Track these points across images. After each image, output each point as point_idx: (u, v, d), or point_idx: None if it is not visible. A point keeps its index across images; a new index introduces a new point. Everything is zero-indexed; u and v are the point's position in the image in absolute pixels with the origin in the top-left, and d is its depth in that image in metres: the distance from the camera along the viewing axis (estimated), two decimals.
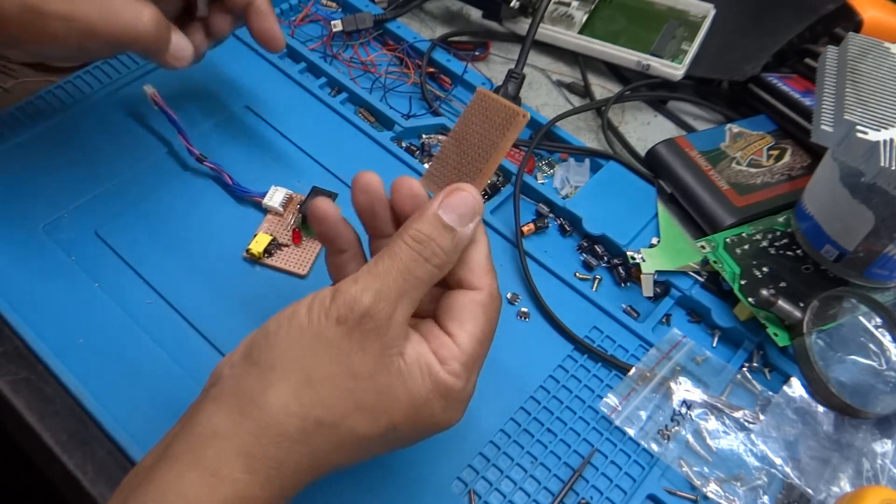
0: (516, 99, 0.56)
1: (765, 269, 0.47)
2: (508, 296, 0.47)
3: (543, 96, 0.61)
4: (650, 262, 0.48)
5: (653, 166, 0.54)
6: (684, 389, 0.43)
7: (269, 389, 0.29)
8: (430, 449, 0.40)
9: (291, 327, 0.30)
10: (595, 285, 0.49)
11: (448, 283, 0.34)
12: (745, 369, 0.45)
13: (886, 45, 0.47)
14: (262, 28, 0.43)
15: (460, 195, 0.32)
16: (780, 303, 0.44)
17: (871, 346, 0.44)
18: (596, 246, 0.50)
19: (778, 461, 0.41)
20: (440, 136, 0.55)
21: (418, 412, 0.31)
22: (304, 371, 0.30)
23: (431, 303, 0.35)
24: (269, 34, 0.43)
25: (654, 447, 0.41)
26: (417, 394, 0.31)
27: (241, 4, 0.42)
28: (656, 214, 0.52)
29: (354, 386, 0.30)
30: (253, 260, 0.46)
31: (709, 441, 0.42)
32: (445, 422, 0.33)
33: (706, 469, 0.41)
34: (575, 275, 0.49)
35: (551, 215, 0.52)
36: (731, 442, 0.42)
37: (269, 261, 0.46)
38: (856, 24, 0.58)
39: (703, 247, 0.48)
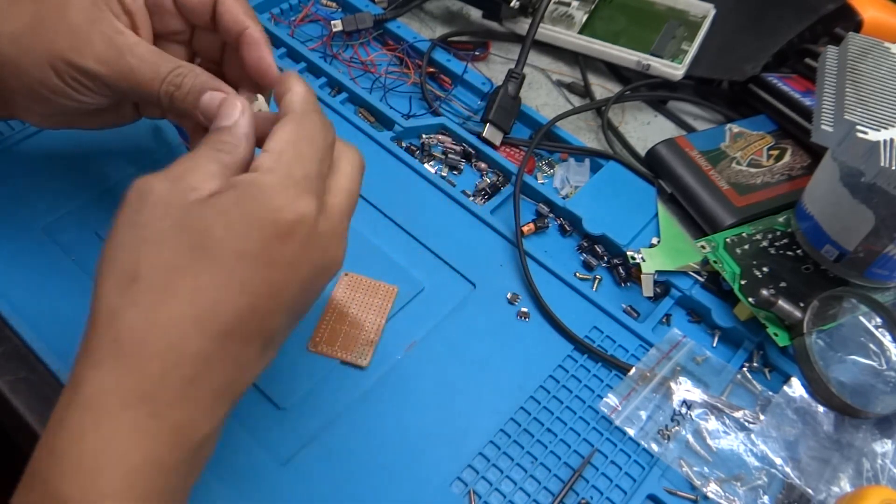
0: (516, 99, 0.55)
1: (765, 269, 0.47)
2: (508, 296, 0.47)
3: (543, 96, 0.61)
4: (650, 262, 0.48)
5: (653, 166, 0.54)
6: (684, 389, 0.43)
7: (93, 294, 0.30)
8: (431, 449, 0.40)
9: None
10: (595, 285, 0.49)
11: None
12: (745, 369, 0.45)
13: (886, 45, 0.47)
14: (256, 61, 0.39)
15: (224, 104, 0.35)
16: (781, 303, 0.44)
17: (872, 346, 0.44)
18: (596, 246, 0.50)
19: (778, 461, 0.41)
20: (440, 136, 0.55)
21: (234, 216, 0.30)
22: (104, 257, 0.31)
23: None
24: (264, 70, 0.39)
25: (654, 447, 0.41)
26: (222, 203, 0.30)
27: (235, 32, 0.39)
28: (656, 214, 0.52)
29: (147, 232, 0.30)
30: None
31: (709, 441, 0.42)
32: (282, 212, 0.30)
33: (706, 469, 0.41)
34: (575, 275, 0.49)
35: (551, 215, 0.52)
36: (732, 442, 0.42)
37: None
38: (856, 24, 0.58)
39: (703, 247, 0.48)
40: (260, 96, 0.38)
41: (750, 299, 0.45)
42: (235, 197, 0.30)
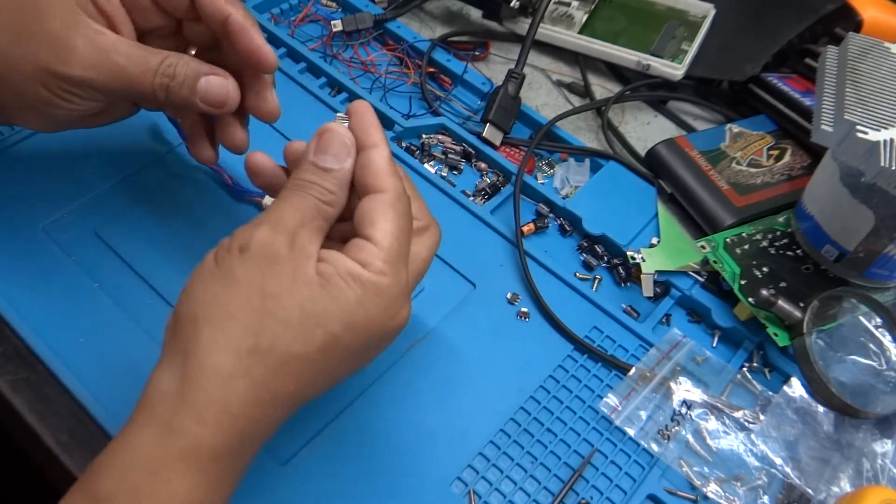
0: (516, 99, 0.56)
1: (765, 269, 0.47)
2: (508, 296, 0.47)
3: (543, 96, 0.61)
4: (650, 262, 0.48)
5: (653, 166, 0.54)
6: (684, 389, 0.43)
7: (198, 337, 0.30)
8: (431, 449, 0.40)
9: (202, 273, 0.32)
10: (595, 285, 0.49)
11: (359, 194, 0.35)
12: (745, 369, 0.45)
13: (886, 45, 0.47)
14: (246, 45, 0.37)
15: (328, 135, 0.34)
16: (780, 303, 0.44)
17: (871, 346, 0.44)
18: (596, 246, 0.50)
19: (778, 461, 0.41)
20: (440, 136, 0.55)
21: (355, 317, 0.31)
22: (222, 308, 0.30)
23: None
24: (255, 52, 0.38)
25: (654, 447, 0.41)
26: (346, 300, 0.31)
27: (218, 21, 0.37)
28: (656, 214, 0.52)
29: (275, 307, 0.30)
30: None
31: (709, 441, 0.42)
32: (392, 319, 0.33)
33: (706, 469, 0.41)
34: (575, 275, 0.49)
35: (551, 215, 0.52)
36: (731, 442, 0.42)
37: None
38: (856, 24, 0.58)
39: (703, 247, 0.48)
40: (339, 114, 0.36)
41: (750, 299, 0.45)
42: (357, 300, 0.31)
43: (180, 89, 0.37)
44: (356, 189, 0.35)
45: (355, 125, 0.35)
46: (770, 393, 0.44)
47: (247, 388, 0.30)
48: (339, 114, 0.36)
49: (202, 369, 0.30)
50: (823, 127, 0.43)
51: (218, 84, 0.37)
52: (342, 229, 0.36)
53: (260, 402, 0.30)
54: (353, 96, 0.56)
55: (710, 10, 0.61)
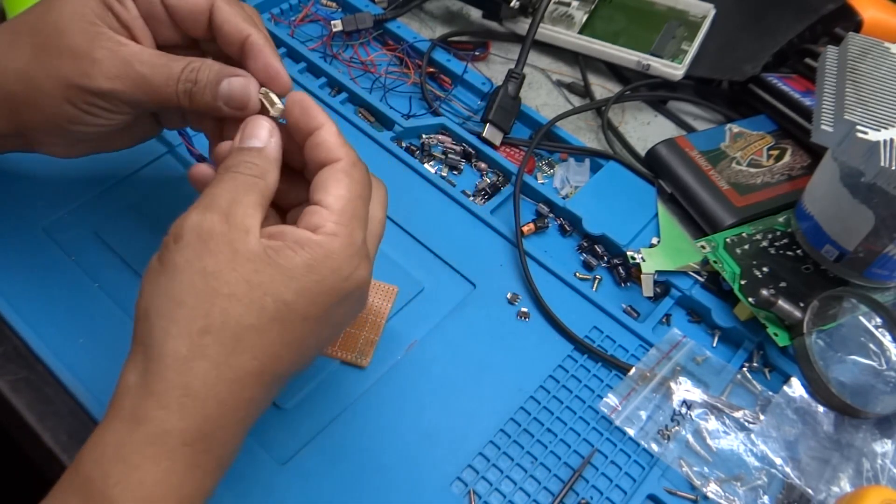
0: (516, 99, 0.56)
1: (765, 269, 0.47)
2: (508, 296, 0.47)
3: (543, 96, 0.61)
4: (650, 262, 0.48)
5: (653, 166, 0.54)
6: (684, 389, 0.43)
7: (151, 330, 0.30)
8: (431, 449, 0.40)
9: (149, 273, 0.32)
10: (595, 285, 0.49)
11: (312, 170, 0.35)
12: (745, 369, 0.45)
13: (886, 45, 0.47)
14: (263, 68, 0.37)
15: (250, 123, 0.35)
16: (780, 303, 0.44)
17: (871, 346, 0.44)
18: (596, 246, 0.50)
19: (778, 461, 0.41)
20: (440, 136, 0.55)
21: (305, 282, 0.31)
22: (168, 297, 0.31)
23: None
24: (273, 76, 0.37)
25: (654, 447, 0.41)
26: (293, 266, 0.31)
27: (237, 42, 0.37)
28: (656, 214, 0.52)
29: (218, 284, 0.30)
30: None
31: (709, 441, 0.42)
32: (347, 280, 0.33)
33: (706, 469, 0.41)
34: (575, 275, 0.49)
35: (551, 215, 0.52)
36: (731, 442, 0.42)
37: None
38: (856, 24, 0.58)
39: (703, 247, 0.48)
40: (277, 101, 0.37)
41: (750, 299, 0.45)
42: (305, 263, 0.32)
43: (203, 94, 0.37)
44: (311, 169, 0.35)
45: (297, 114, 0.35)
46: (770, 393, 0.44)
47: (207, 369, 0.30)
48: (261, 93, 0.37)
49: (160, 358, 0.30)
50: (823, 127, 0.43)
51: (240, 85, 0.37)
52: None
53: (223, 381, 0.30)
54: (353, 96, 0.56)
55: (710, 10, 0.61)
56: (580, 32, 0.61)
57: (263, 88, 0.37)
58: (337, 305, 0.33)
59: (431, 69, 0.59)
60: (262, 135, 0.35)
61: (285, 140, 0.36)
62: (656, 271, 0.48)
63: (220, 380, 0.30)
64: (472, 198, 0.52)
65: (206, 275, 0.31)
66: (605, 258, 0.50)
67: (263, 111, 0.37)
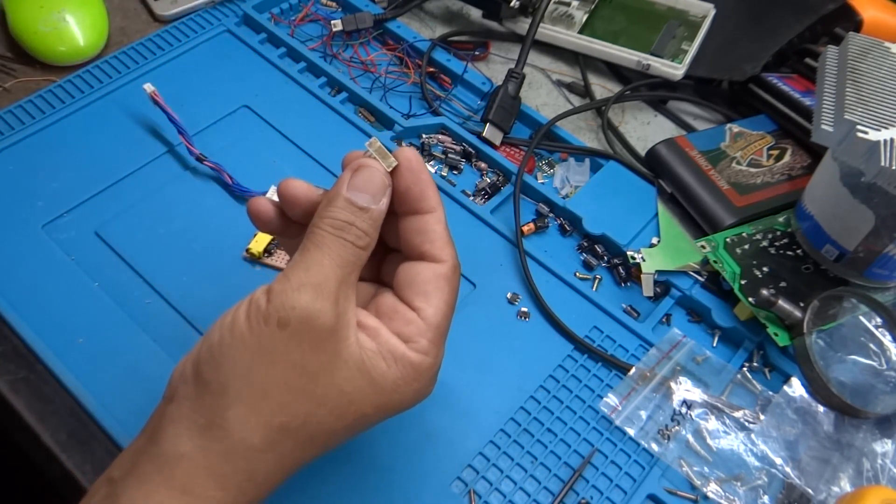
0: (516, 99, 0.55)
1: (765, 268, 0.47)
2: (508, 296, 0.47)
3: (543, 96, 0.61)
4: (650, 261, 0.48)
5: (653, 166, 0.54)
6: (684, 389, 0.43)
7: (227, 411, 0.29)
8: (430, 449, 0.40)
9: (234, 340, 0.29)
10: (595, 285, 0.49)
11: (407, 255, 0.33)
12: (745, 369, 0.45)
13: (886, 44, 0.47)
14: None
15: (364, 172, 0.31)
16: (781, 302, 0.44)
17: (872, 346, 0.44)
18: (596, 246, 0.50)
19: (778, 461, 0.41)
20: (440, 136, 0.55)
21: (388, 398, 0.31)
22: (256, 384, 0.29)
23: (373, 269, 0.35)
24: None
25: (655, 447, 0.41)
26: (384, 382, 0.30)
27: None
28: (656, 214, 0.52)
29: (313, 387, 0.29)
30: (253, 259, 0.46)
31: (709, 441, 0.42)
32: (420, 398, 0.32)
33: (706, 469, 0.41)
34: (575, 274, 0.49)
35: (551, 215, 0.52)
36: (732, 442, 0.42)
37: (268, 260, 0.46)
38: (856, 24, 0.58)
39: (703, 247, 0.48)
40: (391, 157, 0.32)
41: (750, 299, 0.45)
42: (394, 382, 0.30)
43: None
44: (406, 254, 0.33)
45: (412, 183, 0.32)
46: (770, 393, 0.44)
47: (274, 460, 0.29)
48: (371, 146, 0.33)
49: (230, 443, 0.29)
50: (823, 127, 0.43)
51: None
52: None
53: (282, 470, 0.30)
54: (353, 96, 0.56)
55: (710, 10, 0.61)
56: (580, 32, 0.61)
57: (376, 141, 0.33)
58: (398, 413, 0.32)
59: (431, 69, 0.59)
60: (378, 195, 0.31)
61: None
62: (656, 271, 0.48)
63: (281, 469, 0.30)
64: (472, 197, 0.52)
65: (304, 374, 0.29)
66: (605, 258, 0.50)
67: None
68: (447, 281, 0.32)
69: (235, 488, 0.29)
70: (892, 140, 0.40)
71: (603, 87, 0.61)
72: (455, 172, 0.54)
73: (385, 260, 0.36)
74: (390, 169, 0.32)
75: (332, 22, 0.59)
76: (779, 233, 0.49)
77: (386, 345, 0.30)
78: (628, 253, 0.48)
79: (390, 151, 0.33)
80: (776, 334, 0.44)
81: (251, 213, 0.35)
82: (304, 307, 0.28)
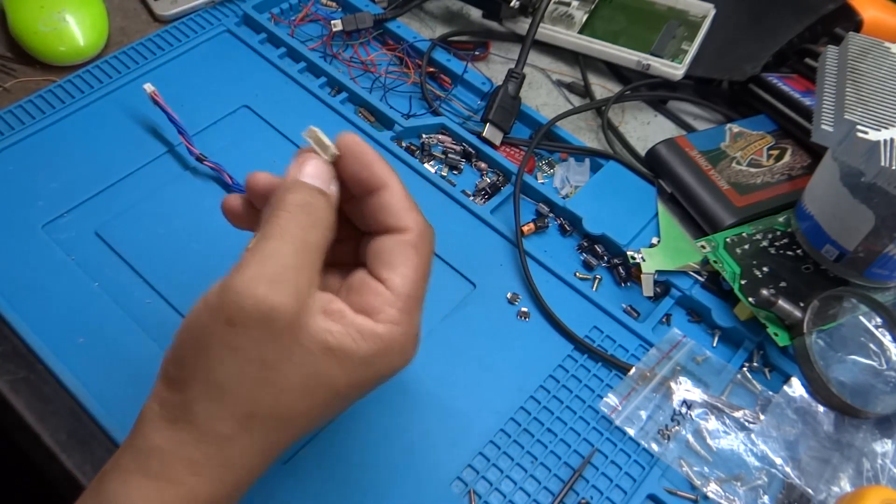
0: (516, 99, 0.55)
1: (765, 268, 0.47)
2: (508, 296, 0.47)
3: (543, 96, 0.61)
4: (650, 261, 0.48)
5: (653, 166, 0.54)
6: (684, 389, 0.43)
7: (193, 406, 0.29)
8: (430, 449, 0.40)
9: (190, 337, 0.29)
10: (595, 285, 0.49)
11: (375, 232, 0.33)
12: (745, 369, 0.45)
13: (886, 44, 0.47)
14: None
15: (311, 161, 0.32)
16: (781, 302, 0.44)
17: (872, 346, 0.44)
18: (596, 246, 0.50)
19: (778, 461, 0.41)
20: (440, 136, 0.55)
21: (362, 374, 0.30)
22: (215, 380, 0.29)
23: (352, 252, 0.35)
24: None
25: (655, 447, 0.41)
26: (354, 359, 0.30)
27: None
28: (656, 214, 0.52)
29: (274, 376, 0.29)
30: None
31: (709, 441, 0.42)
32: (398, 367, 0.32)
33: (706, 469, 0.41)
34: (575, 274, 0.49)
35: (551, 215, 0.52)
36: (732, 442, 0.42)
37: None
38: (856, 24, 0.58)
39: (703, 247, 0.48)
40: (330, 144, 0.32)
41: (750, 299, 0.45)
42: (364, 358, 0.30)
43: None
44: (369, 225, 0.33)
45: (356, 167, 0.32)
46: (770, 393, 0.44)
47: (247, 445, 0.29)
48: (309, 136, 0.32)
49: (199, 433, 0.29)
50: (823, 127, 0.43)
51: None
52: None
53: (260, 453, 0.30)
54: (353, 96, 0.56)
55: (710, 10, 0.61)
56: (580, 32, 0.61)
57: (312, 129, 0.32)
58: (383, 381, 0.32)
59: (431, 69, 0.59)
60: (324, 178, 0.31)
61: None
62: (656, 271, 0.48)
63: (256, 453, 0.30)
64: (472, 197, 0.52)
65: (262, 366, 0.29)
66: (605, 258, 0.50)
67: None
68: (413, 247, 0.32)
69: (211, 473, 0.29)
70: (892, 140, 0.40)
71: (603, 87, 0.61)
72: (455, 172, 0.54)
73: (361, 242, 0.35)
74: (332, 159, 0.32)
75: (332, 22, 0.59)
76: (779, 233, 0.49)
77: (352, 324, 0.30)
78: (628, 253, 0.48)
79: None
80: (776, 334, 0.44)
81: (224, 211, 0.35)
82: (258, 302, 0.28)
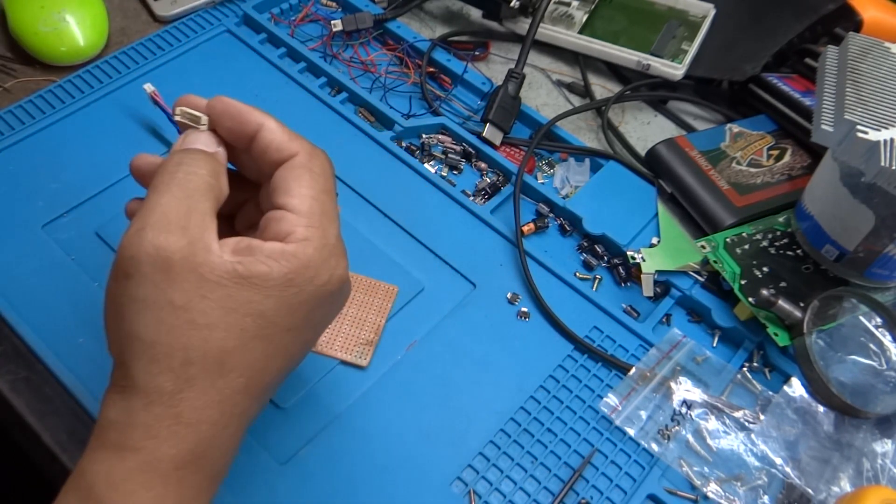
0: (516, 99, 0.55)
1: (765, 268, 0.47)
2: (508, 296, 0.47)
3: (543, 96, 0.61)
4: (650, 261, 0.48)
5: (653, 166, 0.54)
6: (684, 389, 0.43)
7: (131, 369, 0.29)
8: (430, 449, 0.40)
9: (109, 306, 0.30)
10: (595, 285, 0.49)
11: (266, 172, 0.33)
12: (745, 369, 0.45)
13: (886, 44, 0.47)
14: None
15: (188, 135, 0.33)
16: (781, 303, 0.44)
17: (872, 346, 0.44)
18: (596, 246, 0.50)
19: (778, 461, 0.41)
20: (440, 136, 0.55)
21: (286, 296, 0.30)
22: (139, 335, 0.29)
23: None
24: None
25: (655, 447, 0.41)
26: (272, 283, 0.29)
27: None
28: (656, 214, 0.52)
29: (192, 315, 0.29)
30: None
31: (709, 441, 0.42)
32: (328, 283, 0.31)
33: (706, 469, 0.41)
34: (575, 275, 0.49)
35: (551, 215, 0.52)
36: (732, 442, 0.42)
37: None
38: (856, 24, 0.58)
39: (703, 247, 0.48)
40: (201, 115, 0.33)
41: (750, 299, 0.45)
42: (282, 277, 0.30)
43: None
44: (265, 172, 0.33)
45: (229, 122, 0.33)
46: (770, 393, 0.44)
47: (194, 396, 0.29)
48: (180, 116, 0.33)
49: (144, 395, 0.29)
50: (823, 127, 0.43)
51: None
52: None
53: (212, 403, 0.30)
54: (353, 96, 0.56)
55: (710, 10, 0.61)
56: (580, 32, 0.61)
57: (179, 108, 0.33)
58: (319, 308, 0.32)
59: (431, 69, 0.59)
60: (209, 142, 0.33)
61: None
62: (656, 271, 0.48)
63: (209, 403, 0.29)
64: (472, 198, 0.52)
65: (175, 308, 0.28)
66: (605, 258, 0.50)
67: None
68: (304, 168, 0.32)
69: (167, 433, 0.29)
70: (892, 140, 0.40)
71: (603, 87, 0.61)
72: (455, 172, 0.54)
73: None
74: (206, 126, 0.33)
75: (332, 22, 0.59)
76: (779, 233, 0.49)
77: (261, 252, 0.30)
78: (628, 253, 0.48)
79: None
80: (776, 334, 0.44)
81: (136, 173, 0.35)
82: (145, 246, 0.28)
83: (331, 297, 0.32)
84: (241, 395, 0.30)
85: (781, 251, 0.48)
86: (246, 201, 0.36)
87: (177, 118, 0.33)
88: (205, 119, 0.33)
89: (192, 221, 0.29)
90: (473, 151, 0.54)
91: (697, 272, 0.48)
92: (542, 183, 0.53)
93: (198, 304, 0.29)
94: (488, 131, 0.54)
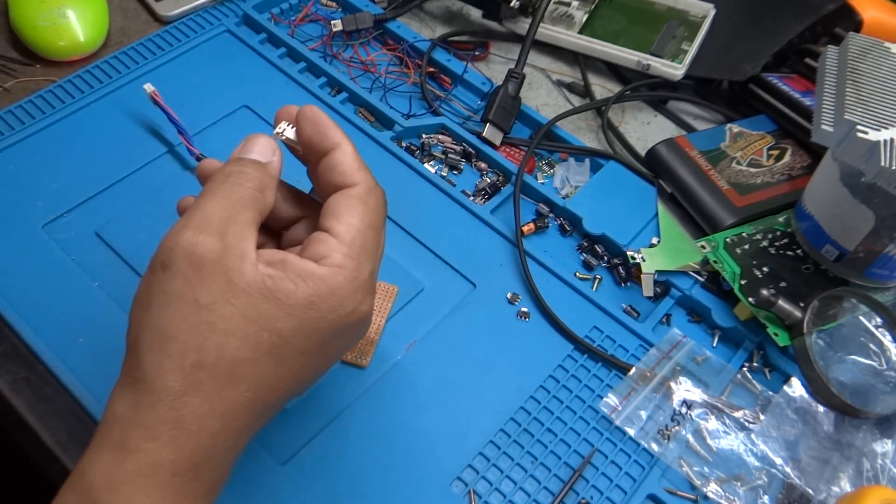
0: (516, 99, 0.55)
1: (765, 268, 0.47)
2: (508, 296, 0.47)
3: (543, 96, 0.61)
4: (650, 261, 0.48)
5: (653, 166, 0.54)
6: (684, 389, 0.43)
7: (143, 362, 0.29)
8: (430, 449, 0.40)
9: (137, 298, 0.31)
10: (595, 285, 0.49)
11: (326, 193, 0.34)
12: (745, 369, 0.45)
13: (886, 44, 0.47)
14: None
15: (248, 141, 0.34)
16: (781, 303, 0.44)
17: (872, 346, 0.44)
18: (596, 246, 0.50)
19: (778, 461, 0.41)
20: (440, 136, 0.55)
21: (305, 318, 0.30)
22: (159, 328, 0.29)
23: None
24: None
25: (655, 447, 0.41)
26: (294, 302, 0.30)
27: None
28: (656, 214, 0.52)
29: (213, 318, 0.29)
30: None
31: (709, 441, 0.42)
32: (349, 316, 0.31)
33: (706, 469, 0.41)
34: (575, 274, 0.49)
35: (551, 215, 0.52)
36: (732, 442, 0.42)
37: None
38: (856, 24, 0.58)
39: (703, 247, 0.48)
40: (283, 124, 0.35)
41: (750, 299, 0.45)
42: (306, 299, 0.30)
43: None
44: (324, 193, 0.34)
45: (311, 130, 0.34)
46: (770, 393, 0.44)
47: (199, 402, 0.29)
48: (277, 130, 0.35)
49: (151, 391, 0.29)
50: (823, 127, 0.43)
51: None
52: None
53: (216, 413, 0.30)
54: (353, 96, 0.56)
55: (710, 10, 0.61)
56: (580, 32, 0.61)
57: (281, 123, 0.36)
58: (335, 339, 0.32)
59: (431, 69, 0.59)
60: (265, 151, 0.34)
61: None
62: (656, 271, 0.48)
63: (212, 412, 0.30)
64: (472, 198, 0.52)
65: (199, 307, 0.29)
66: (605, 258, 0.50)
67: None
68: (360, 199, 0.32)
69: (167, 437, 0.29)
70: (892, 140, 0.40)
71: (603, 87, 0.61)
72: (455, 172, 0.54)
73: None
74: (282, 135, 0.35)
75: (332, 22, 0.59)
76: (779, 233, 0.49)
77: (293, 268, 0.30)
78: (628, 253, 0.48)
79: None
80: (776, 334, 0.44)
81: (201, 177, 0.36)
82: (185, 244, 0.29)
83: (349, 330, 0.32)
84: (245, 410, 0.30)
85: (781, 251, 0.48)
86: (300, 219, 0.36)
87: (275, 134, 0.35)
88: (284, 129, 0.35)
89: (231, 229, 0.30)
90: (473, 151, 0.54)
91: (697, 272, 0.48)
92: (542, 183, 0.53)
93: (222, 307, 0.29)
94: (488, 131, 0.54)
